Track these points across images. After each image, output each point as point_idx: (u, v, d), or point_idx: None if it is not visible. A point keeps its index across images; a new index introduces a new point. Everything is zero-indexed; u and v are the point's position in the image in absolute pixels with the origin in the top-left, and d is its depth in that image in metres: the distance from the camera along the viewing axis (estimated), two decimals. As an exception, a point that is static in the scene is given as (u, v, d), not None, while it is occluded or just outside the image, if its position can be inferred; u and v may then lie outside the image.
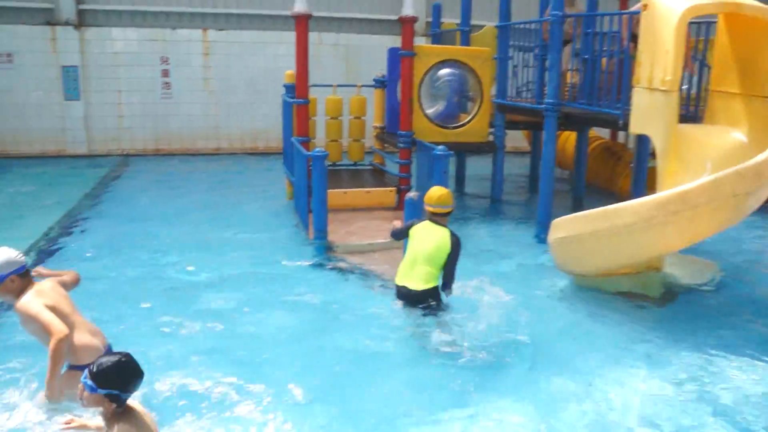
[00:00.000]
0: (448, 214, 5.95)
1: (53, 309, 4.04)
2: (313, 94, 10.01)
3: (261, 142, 15.85)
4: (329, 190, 8.09)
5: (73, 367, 4.10)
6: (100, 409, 3.23)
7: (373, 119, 11.54)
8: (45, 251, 8.02)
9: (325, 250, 7.95)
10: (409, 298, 5.85)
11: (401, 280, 5.92)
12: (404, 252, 6.21)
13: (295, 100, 9.43)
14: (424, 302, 5.81)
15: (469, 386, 4.85)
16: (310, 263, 7.63)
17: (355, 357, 5.33)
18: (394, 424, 4.37)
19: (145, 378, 3.31)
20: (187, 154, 15.49)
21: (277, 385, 4.76)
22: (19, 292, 4.15)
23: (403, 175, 9.63)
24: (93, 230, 9.07)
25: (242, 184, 12.39)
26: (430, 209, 5.92)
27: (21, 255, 4.22)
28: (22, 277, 4.18)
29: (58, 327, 3.91)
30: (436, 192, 5.95)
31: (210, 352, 5.31)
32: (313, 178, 7.92)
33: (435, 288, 5.81)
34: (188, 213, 10.07)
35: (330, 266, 7.55)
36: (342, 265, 7.55)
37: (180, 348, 5.36)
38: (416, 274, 5.80)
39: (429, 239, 5.82)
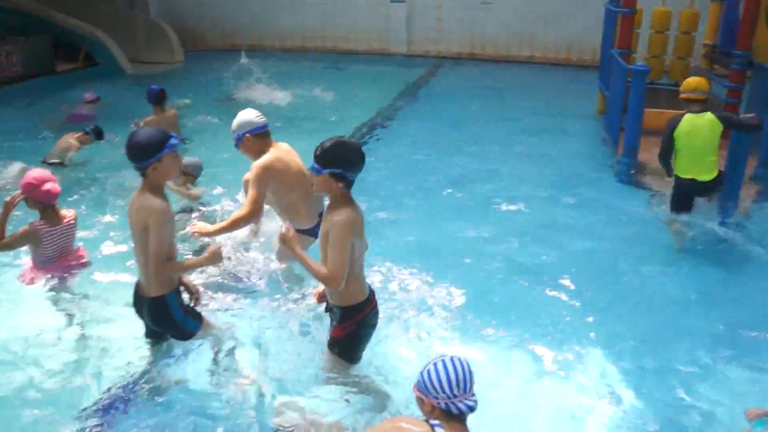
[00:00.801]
0: (704, 101, 5.87)
1: (283, 172, 4.48)
2: (640, 4, 9.43)
3: (574, 54, 15.41)
4: (645, 109, 7.75)
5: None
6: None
7: (705, 36, 10.53)
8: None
9: (629, 169, 7.74)
10: (698, 189, 5.88)
11: (686, 173, 5.83)
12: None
13: (620, 9, 9.00)
14: (713, 190, 5.94)
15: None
16: (616, 181, 7.53)
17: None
18: None
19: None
20: (500, 61, 15.70)
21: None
22: (258, 151, 4.47)
23: (731, 100, 8.74)
24: (406, 126, 9.82)
25: (551, 94, 12.33)
26: (689, 96, 5.85)
27: (261, 116, 4.52)
28: (259, 138, 4.48)
29: (251, 205, 4.32)
30: (694, 79, 5.91)
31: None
32: (631, 94, 7.64)
33: (720, 174, 5.89)
34: (494, 118, 10.42)
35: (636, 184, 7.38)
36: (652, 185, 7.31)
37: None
38: (702, 166, 5.79)
39: (701, 129, 5.74)
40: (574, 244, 5.94)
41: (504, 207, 6.76)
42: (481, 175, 7.74)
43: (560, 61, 15.42)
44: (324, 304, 3.72)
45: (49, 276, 4.48)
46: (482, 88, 12.84)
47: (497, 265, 5.52)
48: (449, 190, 7.26)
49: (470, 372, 2.50)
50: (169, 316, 3.63)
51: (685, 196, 5.95)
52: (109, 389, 3.80)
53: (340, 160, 3.22)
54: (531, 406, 3.79)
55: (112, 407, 3.66)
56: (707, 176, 5.79)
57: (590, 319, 4.68)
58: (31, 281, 4.47)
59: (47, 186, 4.37)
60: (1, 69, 12.13)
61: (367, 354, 3.71)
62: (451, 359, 2.50)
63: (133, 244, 3.55)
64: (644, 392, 3.88)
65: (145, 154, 3.34)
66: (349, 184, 3.30)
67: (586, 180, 7.57)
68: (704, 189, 5.88)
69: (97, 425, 3.54)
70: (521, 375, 4.08)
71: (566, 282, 5.19)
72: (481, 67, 15.19)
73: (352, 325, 3.51)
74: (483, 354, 4.17)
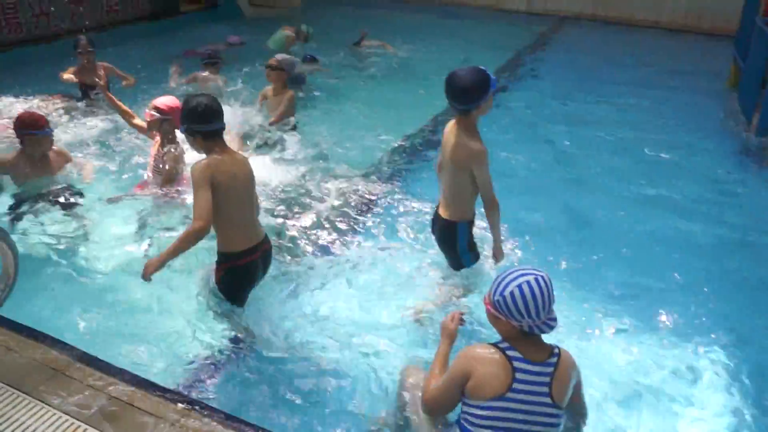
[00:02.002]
0: None
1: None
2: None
3: (706, 22, 14.38)
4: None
5: None
6: None
7: None
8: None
9: (764, 148, 7.23)
10: None
11: None
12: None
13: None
14: None
15: None
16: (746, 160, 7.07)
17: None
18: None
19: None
20: (624, 23, 14.91)
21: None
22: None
23: None
24: (521, 92, 9.42)
25: (672, 63, 11.61)
26: None
27: None
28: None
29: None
30: None
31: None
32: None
33: None
34: (613, 89, 9.84)
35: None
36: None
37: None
38: None
39: None
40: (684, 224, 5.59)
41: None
42: (595, 149, 7.35)
43: (689, 28, 14.46)
44: None
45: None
46: (603, 54, 12.23)
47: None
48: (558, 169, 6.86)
49: (552, 291, 2.43)
50: (453, 242, 3.93)
51: None
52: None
53: (187, 118, 3.48)
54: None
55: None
56: None
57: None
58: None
59: None
60: (132, 7, 12.60)
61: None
62: (536, 280, 2.42)
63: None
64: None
65: (474, 95, 3.48)
66: (206, 135, 3.49)
67: (709, 159, 7.11)
68: None
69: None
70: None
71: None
72: (602, 30, 14.47)
73: (221, 271, 3.68)
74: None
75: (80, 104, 7.29)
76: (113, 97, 5.57)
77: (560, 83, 9.77)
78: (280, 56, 6.68)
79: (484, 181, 3.63)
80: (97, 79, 6.61)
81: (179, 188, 4.95)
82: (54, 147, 5.02)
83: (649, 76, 10.62)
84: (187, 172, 4.52)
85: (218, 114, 3.52)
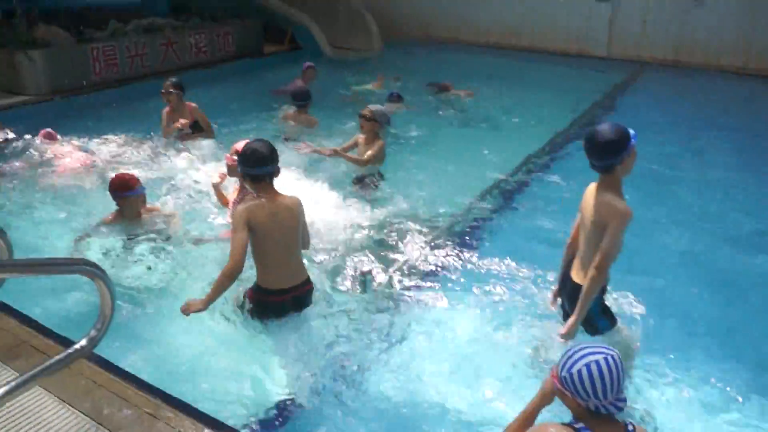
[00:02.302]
0: None
1: None
2: None
3: (797, 67, 13.82)
4: None
5: None
6: None
7: None
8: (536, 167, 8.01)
9: None
10: None
11: None
12: None
13: None
14: None
15: None
16: None
17: None
18: None
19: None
20: (708, 69, 14.48)
21: None
22: None
23: None
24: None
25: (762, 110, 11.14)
26: None
27: None
28: None
29: None
30: None
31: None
32: None
33: None
34: (698, 135, 9.48)
35: None
36: None
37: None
38: None
39: None
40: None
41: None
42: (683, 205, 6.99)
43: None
44: None
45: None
46: (688, 102, 11.88)
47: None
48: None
49: (623, 372, 2.32)
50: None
51: None
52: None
53: (240, 161, 3.92)
54: None
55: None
56: None
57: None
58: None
59: None
60: (219, 48, 13.16)
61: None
62: (606, 360, 2.31)
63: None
64: None
65: (615, 149, 3.41)
66: (254, 179, 3.87)
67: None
68: None
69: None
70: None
71: None
72: (687, 76, 14.07)
73: (249, 297, 4.06)
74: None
75: (163, 143, 7.60)
76: (219, 189, 5.47)
77: (643, 129, 9.37)
78: (373, 107, 6.82)
79: (613, 244, 3.47)
80: (179, 125, 7.08)
81: None
82: (147, 205, 5.29)
83: (738, 127, 10.19)
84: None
85: (266, 160, 3.83)
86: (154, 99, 8.19)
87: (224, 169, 5.32)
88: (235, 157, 4.92)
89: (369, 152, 6.66)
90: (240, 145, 5.06)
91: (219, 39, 13.17)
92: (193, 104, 7.74)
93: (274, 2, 14.82)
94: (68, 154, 7.25)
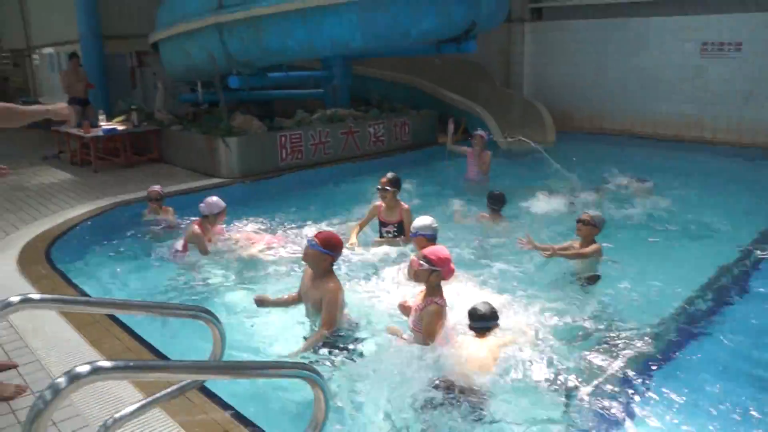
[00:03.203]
0: None
1: None
2: None
3: None
4: None
5: None
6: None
7: None
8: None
9: None
10: None
11: None
12: None
13: None
14: None
15: None
16: None
17: None
18: None
19: None
20: None
21: None
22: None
23: None
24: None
25: None
26: None
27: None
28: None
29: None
30: None
31: None
32: None
33: None
34: None
35: None
36: None
37: None
38: None
39: None
40: None
41: None
42: None
43: None
44: None
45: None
46: None
47: None
48: None
49: None
50: None
51: None
52: None
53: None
54: None
55: None
56: None
57: None
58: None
59: (452, 264, 4.69)
60: (396, 137, 13.52)
61: None
62: None
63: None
64: None
65: None
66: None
67: None
68: None
69: None
70: None
71: None
72: None
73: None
74: None
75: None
76: (404, 306, 5.11)
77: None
78: (592, 212, 6.55)
79: None
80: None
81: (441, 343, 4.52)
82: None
83: None
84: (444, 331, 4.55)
85: (486, 318, 4.63)
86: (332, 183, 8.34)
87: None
88: (423, 263, 4.58)
89: (589, 248, 6.38)
90: (431, 251, 4.67)
91: (396, 129, 13.54)
92: (406, 206, 7.36)
93: (449, 94, 15.11)
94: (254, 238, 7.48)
